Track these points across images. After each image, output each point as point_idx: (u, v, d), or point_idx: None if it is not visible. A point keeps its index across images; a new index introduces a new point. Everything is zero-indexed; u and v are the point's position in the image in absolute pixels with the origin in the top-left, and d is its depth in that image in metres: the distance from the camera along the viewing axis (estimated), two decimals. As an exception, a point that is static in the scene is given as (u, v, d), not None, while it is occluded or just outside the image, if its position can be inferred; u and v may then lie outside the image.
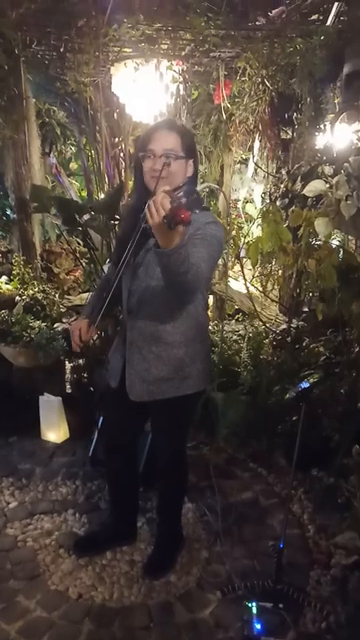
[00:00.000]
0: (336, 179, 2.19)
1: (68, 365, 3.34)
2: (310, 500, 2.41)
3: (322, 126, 3.21)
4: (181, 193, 1.50)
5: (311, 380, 2.46)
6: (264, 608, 1.80)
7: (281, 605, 1.83)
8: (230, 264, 4.32)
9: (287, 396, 2.51)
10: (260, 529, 2.27)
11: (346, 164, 2.24)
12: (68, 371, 3.34)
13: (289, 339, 3.21)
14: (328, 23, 2.97)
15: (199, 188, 1.72)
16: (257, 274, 4.27)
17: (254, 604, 1.79)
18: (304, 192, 2.34)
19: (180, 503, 2.14)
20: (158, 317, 1.71)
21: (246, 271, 3.73)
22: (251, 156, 4.54)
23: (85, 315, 1.87)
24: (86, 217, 2.96)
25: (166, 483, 2.08)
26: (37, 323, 3.00)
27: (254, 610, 1.78)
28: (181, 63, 3.40)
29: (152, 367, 1.74)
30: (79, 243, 4.42)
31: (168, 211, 1.24)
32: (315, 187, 2.27)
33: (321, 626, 1.79)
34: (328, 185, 2.26)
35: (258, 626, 1.74)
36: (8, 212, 4.76)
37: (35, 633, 1.77)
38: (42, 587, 1.96)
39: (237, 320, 3.75)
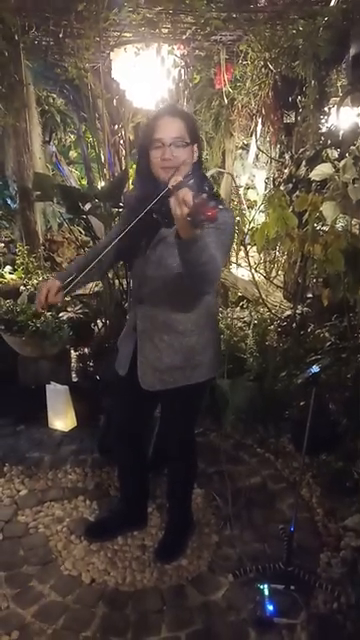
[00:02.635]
0: (343, 162, 2.18)
1: (74, 354, 3.35)
2: (318, 484, 2.43)
3: (326, 109, 3.18)
4: (191, 180, 1.47)
5: (318, 365, 2.47)
6: (276, 590, 1.82)
7: (292, 587, 1.85)
8: (234, 251, 4.31)
9: (297, 381, 2.51)
10: (269, 513, 2.29)
11: (353, 147, 2.22)
12: (74, 360, 3.34)
13: (294, 325, 3.22)
14: (332, 3, 2.92)
15: (208, 174, 1.69)
16: (261, 260, 4.26)
17: (266, 586, 1.81)
18: (311, 176, 2.33)
19: (190, 489, 2.16)
20: (170, 306, 1.70)
21: (250, 258, 3.72)
22: (253, 141, 4.51)
23: (59, 277, 1.76)
24: (88, 206, 2.95)
25: (176, 470, 2.09)
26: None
27: (266, 592, 1.80)
28: (182, 47, 3.36)
29: (164, 356, 1.74)
30: (81, 232, 4.41)
31: (191, 208, 1.22)
32: (322, 171, 2.25)
33: (332, 607, 1.81)
34: (335, 169, 2.24)
35: (270, 607, 1.76)
36: (9, 202, 4.74)
37: (50, 617, 1.79)
38: (55, 572, 1.98)
39: (241, 307, 3.75)
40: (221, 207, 1.35)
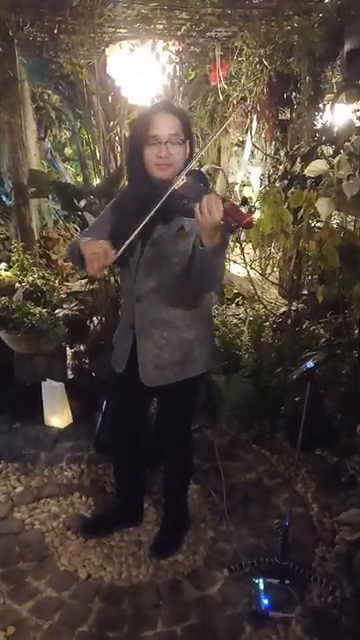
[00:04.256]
0: (337, 159, 2.18)
1: (69, 351, 3.35)
2: (314, 479, 2.44)
3: (321, 106, 3.18)
4: (190, 178, 1.46)
5: (313, 361, 2.48)
6: (271, 584, 1.83)
7: (287, 581, 1.86)
8: (229, 248, 4.31)
9: (292, 377, 2.52)
10: (265, 508, 2.30)
11: (347, 144, 2.23)
12: (69, 357, 3.34)
13: (289, 322, 3.23)
14: (326, 0, 2.92)
15: (202, 170, 1.68)
16: (257, 257, 4.27)
17: (261, 580, 1.82)
18: (306, 172, 2.33)
19: (186, 485, 2.17)
20: (167, 303, 1.71)
21: (245, 254, 3.73)
22: (248, 138, 4.51)
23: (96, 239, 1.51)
24: (83, 202, 2.94)
25: (172, 466, 2.10)
26: (38, 309, 3.00)
27: (261, 586, 1.81)
28: (177, 43, 3.36)
29: (164, 352, 1.74)
30: (76, 229, 4.40)
31: (223, 213, 1.21)
32: (316, 167, 2.26)
33: (327, 600, 1.83)
34: (329, 165, 2.25)
35: (265, 601, 1.77)
36: (4, 199, 4.73)
37: (46, 612, 1.79)
38: (51, 568, 1.98)
39: (237, 304, 3.76)
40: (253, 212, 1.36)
